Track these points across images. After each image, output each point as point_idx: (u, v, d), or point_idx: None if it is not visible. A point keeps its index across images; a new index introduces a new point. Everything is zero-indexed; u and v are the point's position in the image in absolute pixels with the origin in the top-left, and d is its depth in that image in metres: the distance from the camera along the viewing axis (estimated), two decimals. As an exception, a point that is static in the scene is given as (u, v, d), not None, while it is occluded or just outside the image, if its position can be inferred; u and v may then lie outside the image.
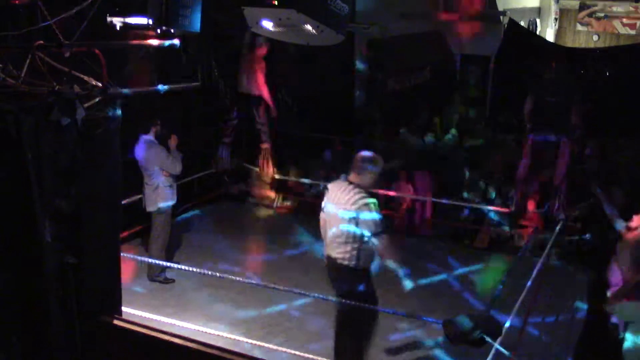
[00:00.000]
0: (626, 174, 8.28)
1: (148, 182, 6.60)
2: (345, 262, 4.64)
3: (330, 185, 4.82)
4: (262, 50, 8.42)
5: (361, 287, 4.70)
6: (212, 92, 9.29)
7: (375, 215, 4.51)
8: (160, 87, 3.48)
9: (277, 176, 9.34)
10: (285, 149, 9.88)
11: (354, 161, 4.71)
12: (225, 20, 7.38)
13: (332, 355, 5.20)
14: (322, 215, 4.86)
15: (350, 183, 4.65)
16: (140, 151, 6.54)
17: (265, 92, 8.52)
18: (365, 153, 4.75)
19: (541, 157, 7.93)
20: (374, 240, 4.53)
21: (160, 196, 6.60)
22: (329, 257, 4.77)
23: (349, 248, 4.60)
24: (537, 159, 7.93)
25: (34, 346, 3.07)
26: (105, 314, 3.17)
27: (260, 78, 8.47)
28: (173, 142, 6.71)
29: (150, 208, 6.66)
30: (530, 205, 8.31)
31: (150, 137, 6.57)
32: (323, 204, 4.83)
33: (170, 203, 6.73)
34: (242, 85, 8.60)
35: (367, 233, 4.51)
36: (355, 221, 4.51)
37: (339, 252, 4.65)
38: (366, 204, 4.50)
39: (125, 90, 3.14)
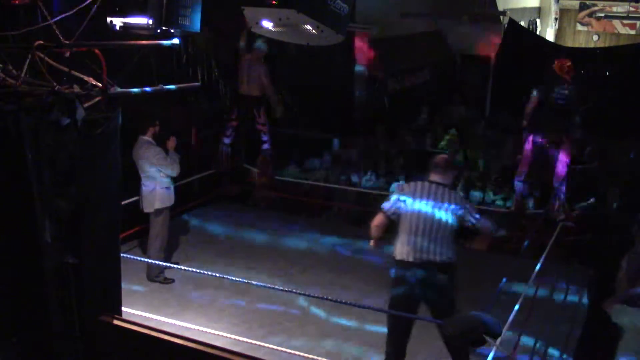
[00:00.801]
0: (627, 175, 8.28)
1: (145, 183, 6.60)
2: (450, 259, 4.77)
3: (409, 188, 4.89)
4: (261, 52, 8.42)
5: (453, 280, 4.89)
6: (212, 92, 9.30)
7: (471, 204, 5.08)
8: (161, 87, 3.48)
9: (277, 177, 9.34)
10: (285, 149, 9.88)
11: (435, 163, 4.95)
12: (225, 20, 7.38)
13: (332, 354, 5.21)
14: (386, 217, 4.90)
15: (435, 183, 4.85)
16: (137, 152, 6.54)
17: (270, 92, 8.52)
18: (445, 156, 5.20)
19: (540, 157, 7.92)
20: (482, 222, 4.90)
21: (157, 197, 6.60)
22: (421, 262, 4.72)
23: (452, 245, 4.80)
24: (536, 159, 7.92)
25: (34, 346, 3.07)
26: (105, 314, 3.17)
27: (263, 79, 8.47)
28: (171, 143, 6.71)
29: (147, 209, 6.67)
30: (530, 206, 8.31)
31: (148, 137, 6.57)
32: (397, 206, 4.85)
33: (168, 204, 6.73)
34: (243, 87, 8.60)
35: (473, 220, 4.83)
36: (460, 216, 4.77)
37: (438, 252, 4.72)
38: (464, 198, 4.96)
39: (126, 90, 3.14)
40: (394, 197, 4.91)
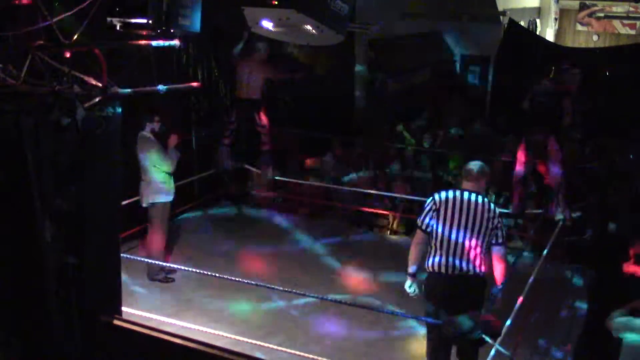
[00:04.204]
0: (626, 175, 8.28)
1: (143, 177, 6.68)
2: (482, 273, 4.55)
3: (440, 199, 4.61)
4: (262, 56, 8.37)
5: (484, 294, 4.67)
6: (212, 92, 9.29)
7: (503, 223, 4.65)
8: (160, 87, 3.48)
9: (276, 177, 9.33)
10: (285, 149, 9.88)
11: (468, 170, 4.70)
12: (225, 20, 7.38)
13: (331, 354, 5.20)
14: (423, 232, 4.65)
15: (467, 191, 4.61)
16: (137, 147, 6.62)
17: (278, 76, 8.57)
18: (479, 162, 4.76)
19: (537, 157, 7.89)
20: (502, 250, 4.61)
21: (153, 191, 6.64)
22: (453, 275, 4.53)
23: (484, 258, 4.55)
24: (533, 160, 7.88)
25: (34, 346, 3.07)
26: (105, 314, 3.17)
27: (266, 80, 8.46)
28: (172, 141, 6.73)
29: (144, 203, 6.73)
30: (529, 207, 8.28)
31: (146, 132, 6.61)
32: (430, 218, 4.60)
33: (165, 199, 6.73)
34: (241, 91, 8.57)
35: (499, 240, 4.57)
36: (495, 229, 4.54)
37: (472, 265, 4.51)
38: (499, 212, 4.61)
39: (126, 91, 3.14)
40: (426, 210, 4.64)
